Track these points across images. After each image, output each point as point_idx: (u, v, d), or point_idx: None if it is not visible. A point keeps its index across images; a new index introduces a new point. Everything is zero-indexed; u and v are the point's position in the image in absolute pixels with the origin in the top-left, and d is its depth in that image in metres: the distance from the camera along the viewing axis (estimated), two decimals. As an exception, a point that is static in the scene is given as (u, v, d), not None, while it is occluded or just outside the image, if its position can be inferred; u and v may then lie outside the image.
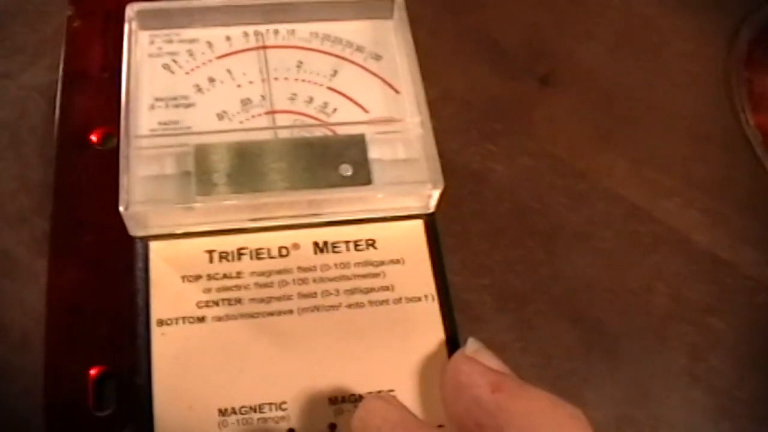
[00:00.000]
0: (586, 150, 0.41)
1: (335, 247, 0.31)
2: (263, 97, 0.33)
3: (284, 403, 0.29)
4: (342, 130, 0.32)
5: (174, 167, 0.31)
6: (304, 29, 0.34)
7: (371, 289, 0.31)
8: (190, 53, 0.33)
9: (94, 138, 0.38)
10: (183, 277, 0.30)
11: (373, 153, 0.31)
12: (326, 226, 0.31)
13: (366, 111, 0.33)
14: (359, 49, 0.34)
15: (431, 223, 0.32)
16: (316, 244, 0.31)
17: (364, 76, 0.33)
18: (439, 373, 0.29)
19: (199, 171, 0.30)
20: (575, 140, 0.41)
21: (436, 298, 0.31)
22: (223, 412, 0.29)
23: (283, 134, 0.32)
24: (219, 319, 0.30)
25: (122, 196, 0.29)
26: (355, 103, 0.33)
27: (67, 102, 0.39)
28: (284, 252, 0.31)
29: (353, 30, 0.34)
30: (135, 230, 0.30)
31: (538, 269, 0.38)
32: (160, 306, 0.30)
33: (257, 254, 0.31)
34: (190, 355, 0.29)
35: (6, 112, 0.39)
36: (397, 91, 0.33)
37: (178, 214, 0.30)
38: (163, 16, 0.33)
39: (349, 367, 0.29)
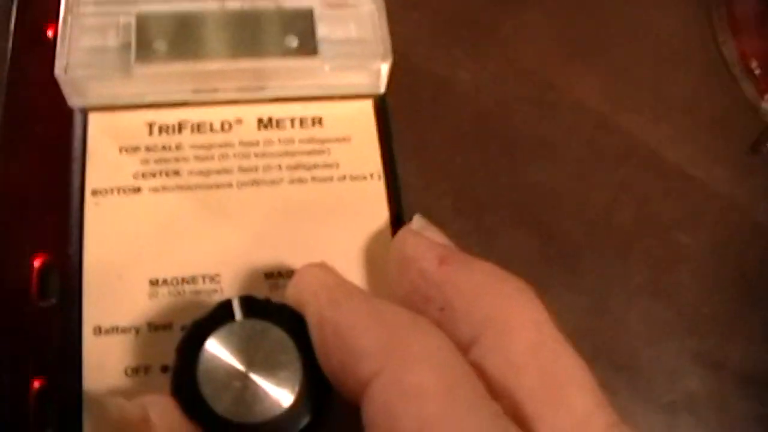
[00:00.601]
0: (556, 61, 0.39)
1: (280, 123, 0.30)
2: (213, -30, 0.31)
3: (218, 275, 0.28)
4: (290, 4, 0.31)
5: (116, 39, 0.30)
6: None
7: (315, 166, 0.29)
8: (140, -73, 0.32)
9: (50, 33, 0.37)
10: (121, 149, 0.29)
11: (322, 30, 0.30)
12: (272, 102, 0.30)
13: (319, -8, 0.32)
14: (315, -69, 0.33)
15: (381, 103, 0.31)
16: (260, 120, 0.30)
17: (319, -42, 0.32)
18: (381, 252, 0.28)
19: (140, 39, 0.29)
20: (545, 51, 0.40)
21: (382, 177, 0.30)
22: (154, 283, 0.27)
23: (231, 6, 0.30)
24: (155, 190, 0.29)
25: (60, 61, 0.28)
26: (307, -20, 0.32)
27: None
28: (227, 127, 0.30)
29: None
30: (73, 99, 0.29)
31: (499, 176, 0.37)
32: (94, 176, 0.29)
33: (199, 128, 0.30)
34: (124, 226, 0.28)
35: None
36: (353, -25, 0.32)
37: (118, 83, 0.29)
38: None
39: (288, 244, 0.28)
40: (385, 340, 0.23)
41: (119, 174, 0.29)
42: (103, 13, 0.30)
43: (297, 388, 0.24)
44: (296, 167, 0.29)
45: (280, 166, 0.29)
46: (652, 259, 0.36)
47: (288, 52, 0.29)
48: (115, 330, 0.27)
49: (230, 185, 0.29)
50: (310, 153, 0.30)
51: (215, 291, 0.28)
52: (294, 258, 0.28)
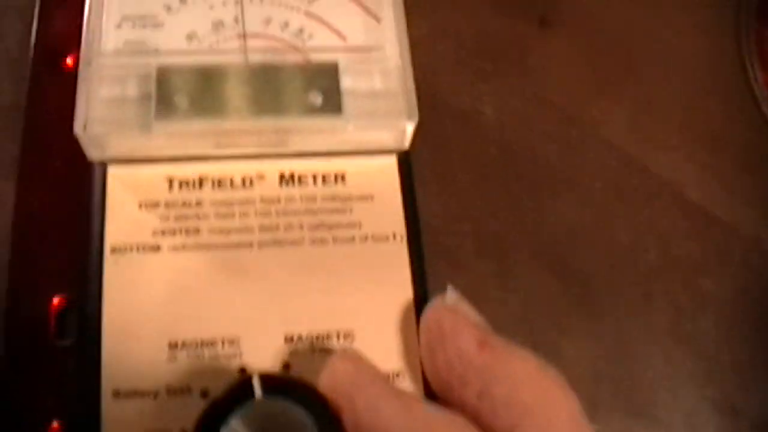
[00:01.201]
0: (582, 96, 0.39)
1: (302, 179, 0.30)
2: (236, 19, 0.31)
3: (237, 338, 0.27)
4: (316, 57, 0.30)
5: (136, 90, 0.29)
6: (283, -49, 0.32)
7: (337, 225, 0.29)
8: (162, -31, 0.31)
9: (69, 62, 0.37)
10: (140, 204, 0.29)
11: (347, 82, 0.30)
12: (294, 157, 0.30)
13: (343, 38, 0.31)
14: (341, -27, 0.32)
15: (405, 159, 0.30)
16: (282, 175, 0.30)
17: (343, 3, 0.32)
18: (402, 317, 0.28)
19: (160, 93, 0.28)
20: (571, 85, 0.39)
21: (405, 238, 0.29)
22: (173, 346, 0.27)
23: (254, 59, 0.30)
24: (175, 248, 0.28)
25: (79, 115, 0.28)
26: (333, 29, 0.31)
27: (44, 22, 0.38)
28: (248, 182, 0.29)
29: (336, -47, 0.32)
30: (93, 153, 0.29)
31: (522, 217, 0.36)
32: (114, 232, 0.28)
33: (219, 183, 0.29)
34: (143, 286, 0.28)
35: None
36: (378, 20, 0.31)
37: (137, 138, 0.28)
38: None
39: (308, 306, 0.28)
40: None
41: (139, 231, 0.29)
42: (123, 65, 0.29)
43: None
44: (318, 227, 0.29)
45: (301, 225, 0.29)
46: (673, 305, 0.36)
47: (312, 110, 0.29)
48: (134, 394, 0.27)
49: (251, 245, 0.29)
50: (332, 212, 0.29)
51: (234, 356, 0.27)
52: (313, 322, 0.28)
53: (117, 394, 0.27)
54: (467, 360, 0.25)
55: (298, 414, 0.24)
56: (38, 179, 0.35)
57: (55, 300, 0.33)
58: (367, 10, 0.32)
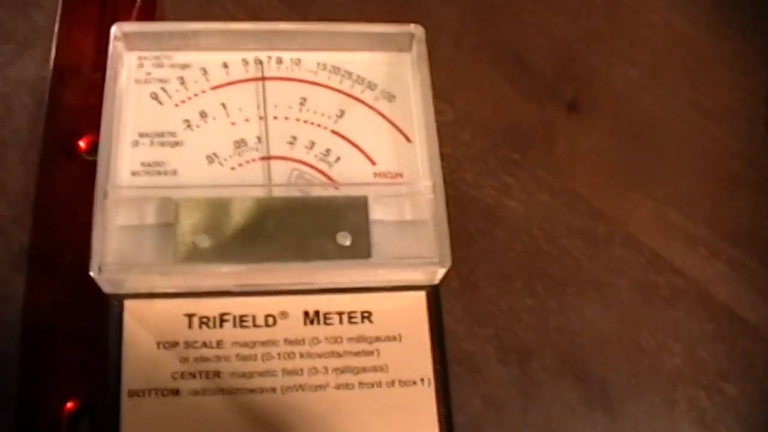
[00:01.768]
0: (609, 187, 0.37)
1: (327, 318, 0.28)
2: (259, 138, 0.29)
3: (260, 491, 0.27)
4: (343, 185, 0.29)
5: (155, 217, 0.28)
6: (310, 58, 0.31)
7: (363, 369, 0.28)
8: (182, 81, 0.30)
9: (82, 144, 0.35)
10: (159, 343, 0.28)
11: (376, 213, 0.28)
12: (319, 293, 0.29)
13: (373, 162, 0.29)
14: (370, 86, 0.31)
15: (434, 295, 0.29)
16: (306, 313, 0.28)
17: (373, 119, 0.30)
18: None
19: (181, 232, 0.27)
20: (598, 176, 0.38)
21: (432, 383, 0.28)
22: (193, 499, 0.26)
23: (278, 188, 0.28)
24: (195, 393, 0.27)
25: (95, 255, 0.26)
26: (361, 151, 0.30)
27: (56, 103, 0.36)
28: (270, 321, 0.28)
29: (366, 62, 0.31)
30: (109, 289, 0.27)
31: (546, 320, 0.35)
32: (132, 375, 0.27)
33: (241, 321, 0.28)
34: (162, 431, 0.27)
35: (-10, 109, 0.36)
36: (408, 140, 0.30)
37: (156, 279, 0.27)
38: (155, 37, 0.30)
39: (333, 456, 0.27)
40: None
41: (157, 373, 0.27)
42: (140, 191, 0.28)
43: None
44: (343, 370, 0.28)
45: (326, 369, 0.28)
46: (696, 410, 0.35)
47: (339, 252, 0.27)
48: None
49: (274, 390, 0.28)
50: (357, 354, 0.28)
51: (257, 507, 0.27)
52: (338, 472, 0.27)
53: None
54: None
55: None
56: (50, 272, 0.34)
57: (69, 403, 0.32)
58: (398, 129, 0.30)
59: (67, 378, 0.32)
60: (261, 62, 0.30)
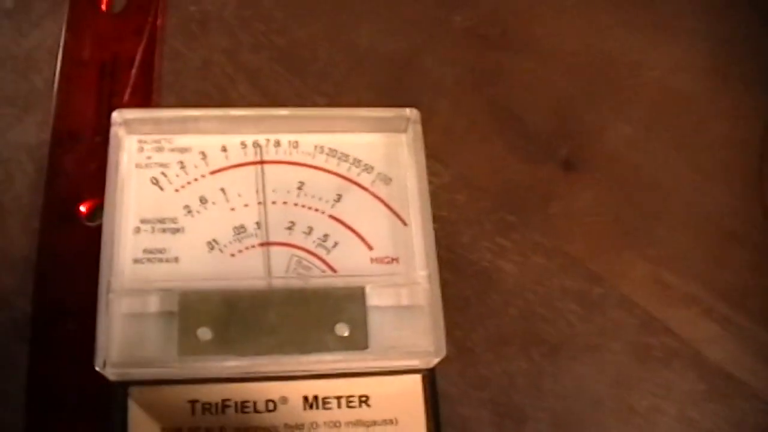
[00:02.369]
0: (605, 248, 0.38)
1: (326, 402, 0.29)
2: (258, 224, 0.30)
3: None
4: (341, 273, 0.29)
5: (158, 306, 0.29)
6: (308, 141, 0.31)
7: (361, 453, 0.29)
8: (182, 165, 0.30)
9: (82, 209, 0.36)
10: (163, 429, 0.29)
11: (373, 299, 0.29)
12: (318, 378, 0.29)
13: (370, 247, 0.30)
14: (367, 169, 0.31)
15: (430, 378, 0.30)
16: (305, 398, 0.29)
17: (370, 203, 0.31)
18: None
19: (183, 326, 0.28)
20: (593, 236, 0.38)
21: (428, 467, 0.29)
22: None
23: (277, 278, 0.29)
24: (199, 479, 0.28)
25: (99, 353, 0.27)
26: (359, 236, 0.30)
27: (55, 168, 0.37)
28: (271, 406, 0.29)
29: (362, 144, 0.31)
30: (113, 378, 0.28)
31: (541, 383, 0.36)
32: (138, 466, 0.28)
33: (242, 407, 0.29)
34: None
35: (-9, 175, 0.36)
36: (405, 223, 0.31)
37: (160, 371, 0.28)
38: (154, 122, 0.30)
39: None
40: None
41: (162, 460, 0.28)
42: (142, 282, 0.29)
43: None
44: (342, 454, 0.29)
45: (326, 455, 0.29)
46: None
47: (338, 345, 0.28)
48: None
49: (274, 478, 0.28)
50: (356, 439, 0.29)
51: None
52: None
53: None
54: None
55: None
56: (53, 341, 0.35)
57: None
58: (394, 212, 0.31)
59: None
60: (260, 146, 0.31)
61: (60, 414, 0.33)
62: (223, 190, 0.30)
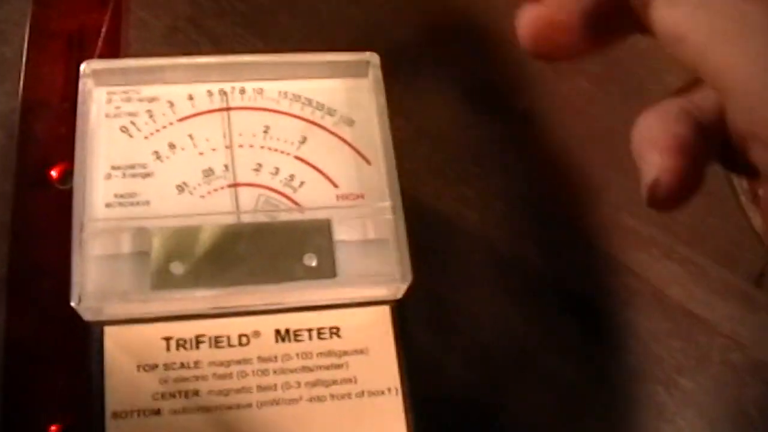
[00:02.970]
0: (565, 197, 0.39)
1: (297, 335, 0.30)
2: (226, 167, 0.31)
3: (240, 505, 0.28)
4: (308, 209, 0.30)
5: (130, 246, 0.29)
6: (272, 88, 0.32)
7: (333, 382, 0.30)
8: (150, 114, 0.31)
9: (53, 174, 0.36)
10: (139, 366, 0.29)
11: (340, 234, 0.30)
12: (289, 311, 0.30)
13: (335, 185, 0.31)
14: (330, 112, 0.32)
15: (398, 309, 0.31)
16: (277, 331, 0.30)
17: (334, 144, 0.32)
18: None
19: (157, 260, 0.28)
20: (553, 183, 0.39)
21: (400, 391, 0.30)
22: None
23: (246, 214, 0.30)
24: (175, 412, 0.29)
25: (74, 288, 0.28)
26: (324, 175, 0.31)
27: (26, 134, 0.37)
28: (244, 340, 0.30)
29: (325, 89, 0.32)
30: (89, 317, 0.29)
31: (508, 328, 0.37)
32: (115, 397, 0.29)
33: (216, 342, 0.30)
34: (146, 451, 0.28)
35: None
36: (368, 162, 0.32)
37: (134, 306, 0.29)
38: (122, 73, 0.31)
39: (308, 466, 0.29)
40: None
41: (139, 394, 0.29)
42: (114, 223, 0.29)
43: None
44: (314, 384, 0.30)
45: (299, 383, 0.30)
46: (655, 407, 0.37)
47: (306, 274, 0.29)
48: None
49: (250, 405, 0.29)
50: (328, 368, 0.30)
51: None
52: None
53: None
54: None
55: None
56: (29, 301, 0.35)
57: (52, 428, 0.33)
58: (358, 152, 0.32)
59: (50, 403, 0.34)
60: (225, 93, 0.32)
61: (37, 370, 0.34)
62: (191, 136, 0.31)
